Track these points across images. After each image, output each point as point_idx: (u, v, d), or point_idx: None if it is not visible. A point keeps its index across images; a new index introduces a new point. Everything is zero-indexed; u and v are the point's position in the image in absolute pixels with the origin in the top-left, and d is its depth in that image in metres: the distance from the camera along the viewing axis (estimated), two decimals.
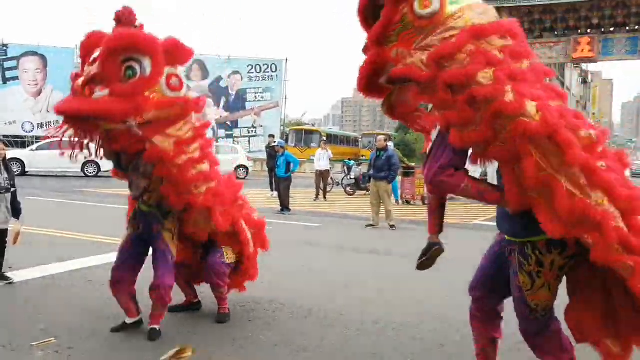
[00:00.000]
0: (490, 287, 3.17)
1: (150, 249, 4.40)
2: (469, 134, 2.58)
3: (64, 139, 3.97)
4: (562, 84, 36.71)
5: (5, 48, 30.99)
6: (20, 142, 30.25)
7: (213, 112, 34.46)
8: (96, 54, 3.72)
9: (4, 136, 23.62)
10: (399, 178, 14.22)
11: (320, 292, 5.55)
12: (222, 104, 34.68)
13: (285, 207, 13.07)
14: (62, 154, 4.19)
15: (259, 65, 34.93)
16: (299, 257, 7.46)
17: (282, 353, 4.13)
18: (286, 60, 35.51)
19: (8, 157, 5.88)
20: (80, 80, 3.70)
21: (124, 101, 3.62)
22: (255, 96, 34.88)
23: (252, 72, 34.82)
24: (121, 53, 3.64)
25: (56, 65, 30.96)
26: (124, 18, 3.91)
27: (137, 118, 3.69)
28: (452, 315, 4.78)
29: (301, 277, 6.34)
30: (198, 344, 4.24)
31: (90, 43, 3.86)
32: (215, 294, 4.76)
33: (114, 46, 3.63)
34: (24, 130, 31.38)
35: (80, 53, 3.98)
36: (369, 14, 2.85)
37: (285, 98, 35.76)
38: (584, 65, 41.19)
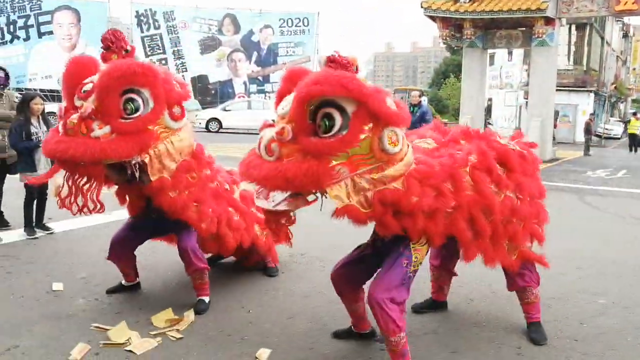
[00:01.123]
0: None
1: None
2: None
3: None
4: (602, 38, 35.40)
5: (39, 2, 31.15)
6: (56, 96, 30.73)
7: (245, 67, 34.38)
8: (88, 85, 3.34)
9: (41, 90, 24.01)
10: None
11: (352, 245, 5.59)
12: (253, 58, 34.48)
13: None
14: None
15: (291, 19, 34.47)
16: (330, 212, 7.50)
17: (313, 303, 4.22)
18: (318, 14, 34.94)
19: (45, 110, 5.99)
20: (75, 117, 3.26)
21: (128, 140, 3.31)
22: (287, 50, 34.55)
23: (284, 26, 34.40)
24: (119, 86, 3.27)
25: (89, 19, 31.10)
26: (114, 43, 3.57)
27: (142, 155, 3.44)
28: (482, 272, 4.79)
29: (333, 233, 6.40)
30: (232, 292, 4.37)
31: (76, 71, 3.44)
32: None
33: (111, 80, 3.26)
34: (60, 84, 31.82)
35: (65, 83, 3.46)
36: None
37: (317, 53, 35.34)
38: (625, 19, 39.58)
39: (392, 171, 2.68)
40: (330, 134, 2.51)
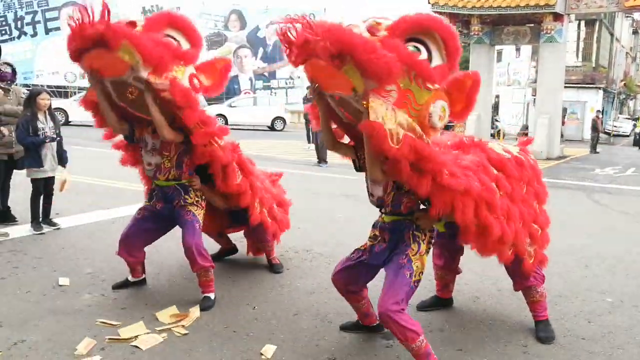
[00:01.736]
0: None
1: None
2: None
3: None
4: (612, 35, 35.17)
5: None
6: (63, 92, 30.86)
7: (251, 63, 34.39)
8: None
9: (48, 86, 24.09)
10: None
11: (357, 243, 5.58)
12: (259, 54, 34.50)
13: (322, 159, 13.08)
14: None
15: (297, 15, 34.43)
16: (336, 209, 7.51)
17: (318, 300, 4.21)
18: (324, 10, 34.89)
19: (52, 106, 6.00)
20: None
21: (154, 45, 3.37)
22: None
23: None
24: (167, 26, 3.63)
25: (96, 15, 31.16)
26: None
27: (152, 75, 3.45)
28: (487, 269, 4.78)
29: (338, 228, 6.41)
30: (238, 289, 4.37)
31: None
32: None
33: (163, 17, 3.66)
34: (67, 80, 31.94)
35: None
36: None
37: None
38: (635, 15, 39.26)
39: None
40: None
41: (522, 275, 3.55)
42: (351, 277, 3.39)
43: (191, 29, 3.75)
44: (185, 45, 3.68)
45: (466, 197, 2.83)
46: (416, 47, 2.63)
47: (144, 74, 3.42)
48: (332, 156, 13.70)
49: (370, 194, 3.22)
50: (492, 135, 20.71)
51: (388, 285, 2.99)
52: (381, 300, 2.96)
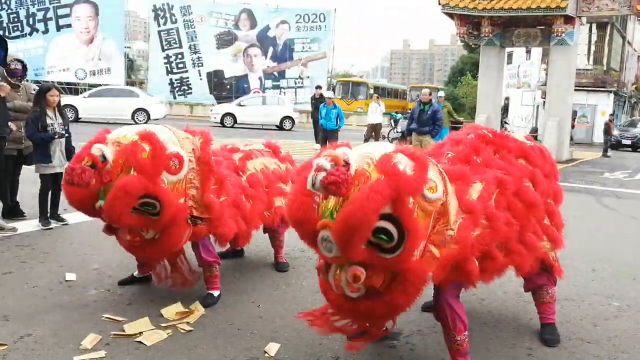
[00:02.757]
0: None
1: None
2: None
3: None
4: (624, 38, 34.94)
5: None
6: (73, 88, 31.05)
7: (260, 62, 34.44)
8: None
9: (58, 83, 24.24)
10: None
11: None
12: (269, 54, 34.55)
13: None
14: None
15: (307, 15, 34.47)
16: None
17: (322, 299, 4.17)
18: (335, 10, 34.89)
19: (62, 103, 6.04)
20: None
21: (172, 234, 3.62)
22: (303, 46, 34.58)
23: (300, 22, 34.42)
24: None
25: (107, 13, 31.39)
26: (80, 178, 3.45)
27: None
28: None
29: None
30: (243, 287, 4.38)
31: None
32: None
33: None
34: (77, 77, 32.17)
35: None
36: None
37: (333, 49, 35.33)
38: None
39: (449, 230, 2.64)
40: (394, 242, 2.37)
41: (535, 274, 3.50)
42: None
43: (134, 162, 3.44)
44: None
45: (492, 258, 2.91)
46: (383, 232, 2.37)
47: None
48: None
49: None
50: None
51: None
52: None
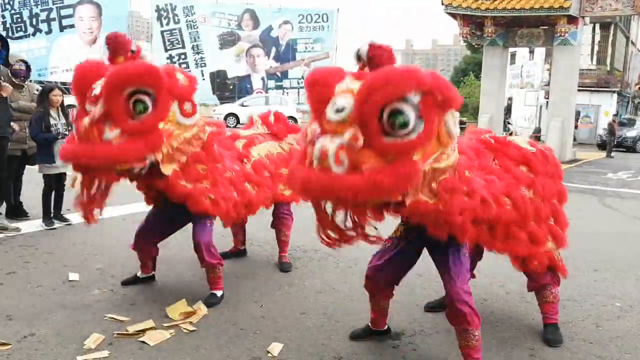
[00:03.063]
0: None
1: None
2: None
3: None
4: (627, 38, 34.85)
5: None
6: None
7: (263, 63, 34.45)
8: (97, 89, 3.27)
9: (62, 83, 24.28)
10: None
11: (364, 245, 5.59)
12: (272, 54, 34.56)
13: None
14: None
15: (310, 15, 34.47)
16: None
17: (325, 299, 4.22)
18: (337, 10, 34.88)
19: (65, 103, 6.06)
20: (86, 121, 3.23)
21: (139, 141, 3.28)
22: (306, 47, 34.57)
23: (303, 22, 34.42)
24: (125, 87, 3.21)
25: (110, 13, 31.40)
26: (118, 46, 3.50)
27: (155, 154, 3.43)
28: (496, 272, 4.76)
29: None
30: (246, 287, 4.39)
31: (84, 76, 3.37)
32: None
33: (117, 82, 3.20)
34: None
35: (75, 89, 3.39)
36: None
37: (336, 49, 35.30)
38: None
39: (450, 160, 2.57)
40: (408, 129, 2.31)
41: (539, 273, 3.51)
42: (390, 273, 3.30)
43: (147, 79, 3.26)
44: (152, 92, 3.29)
45: (497, 225, 2.89)
46: (399, 113, 2.31)
47: (150, 159, 3.45)
48: None
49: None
50: None
51: (452, 270, 2.96)
52: (452, 284, 2.95)
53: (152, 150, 3.39)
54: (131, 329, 3.51)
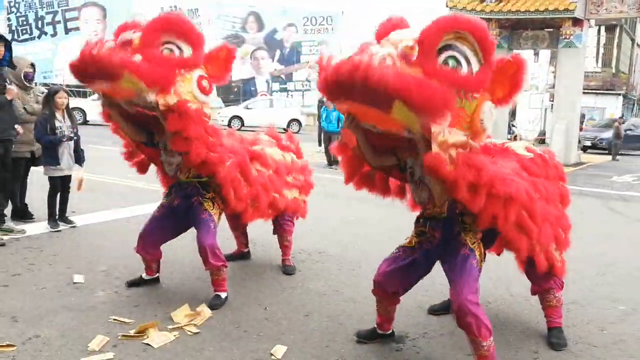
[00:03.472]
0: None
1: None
2: None
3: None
4: (633, 40, 34.79)
5: None
6: (82, 91, 31.18)
7: (267, 65, 34.50)
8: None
9: (67, 86, 24.37)
10: None
11: (369, 246, 5.60)
12: (276, 56, 34.61)
13: (335, 161, 13.15)
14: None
15: (315, 18, 34.51)
16: (349, 211, 7.52)
17: (329, 302, 4.22)
18: (342, 13, 34.92)
19: (70, 105, 6.08)
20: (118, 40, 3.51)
21: (154, 66, 3.40)
22: (310, 49, 34.60)
23: (308, 25, 34.47)
24: (164, 33, 3.49)
25: (115, 16, 31.47)
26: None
27: (162, 93, 3.50)
28: (500, 275, 4.75)
29: (351, 230, 6.41)
30: (249, 289, 4.40)
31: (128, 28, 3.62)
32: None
33: (158, 25, 3.49)
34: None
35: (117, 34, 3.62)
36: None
37: (341, 51, 35.32)
38: None
39: (471, 144, 2.63)
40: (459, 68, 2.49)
41: (542, 277, 3.50)
42: (401, 280, 3.30)
43: (189, 31, 3.62)
44: (186, 49, 3.59)
45: (512, 205, 2.81)
46: (454, 59, 2.51)
47: (151, 97, 3.48)
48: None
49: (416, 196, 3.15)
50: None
51: (459, 277, 2.93)
52: (457, 293, 2.91)
53: (160, 83, 3.46)
54: (135, 330, 3.53)
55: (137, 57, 3.37)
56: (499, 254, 3.83)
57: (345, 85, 2.32)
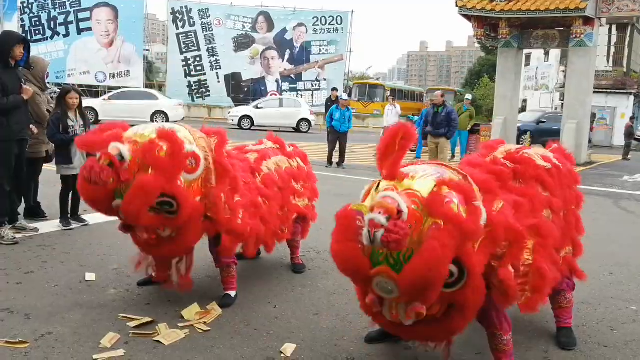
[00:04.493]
0: None
1: None
2: None
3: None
4: None
5: None
6: (93, 91, 31.41)
7: (277, 65, 34.56)
8: None
9: (79, 85, 24.53)
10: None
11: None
12: (286, 56, 34.67)
13: (343, 161, 13.19)
14: None
15: (324, 18, 34.53)
16: None
17: (338, 300, 4.24)
18: (352, 12, 34.91)
19: (83, 105, 6.14)
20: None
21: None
22: (320, 49, 34.64)
23: (317, 25, 34.50)
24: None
25: (127, 16, 31.73)
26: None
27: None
28: None
29: None
30: (259, 288, 4.42)
31: None
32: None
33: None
34: (97, 80, 32.54)
35: None
36: None
37: (350, 51, 35.33)
38: None
39: None
40: (455, 278, 2.47)
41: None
42: None
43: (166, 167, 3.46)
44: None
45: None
46: None
47: None
48: (357, 159, 13.70)
49: None
50: (519, 142, 20.39)
51: None
52: None
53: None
54: (134, 324, 3.58)
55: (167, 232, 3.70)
56: None
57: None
